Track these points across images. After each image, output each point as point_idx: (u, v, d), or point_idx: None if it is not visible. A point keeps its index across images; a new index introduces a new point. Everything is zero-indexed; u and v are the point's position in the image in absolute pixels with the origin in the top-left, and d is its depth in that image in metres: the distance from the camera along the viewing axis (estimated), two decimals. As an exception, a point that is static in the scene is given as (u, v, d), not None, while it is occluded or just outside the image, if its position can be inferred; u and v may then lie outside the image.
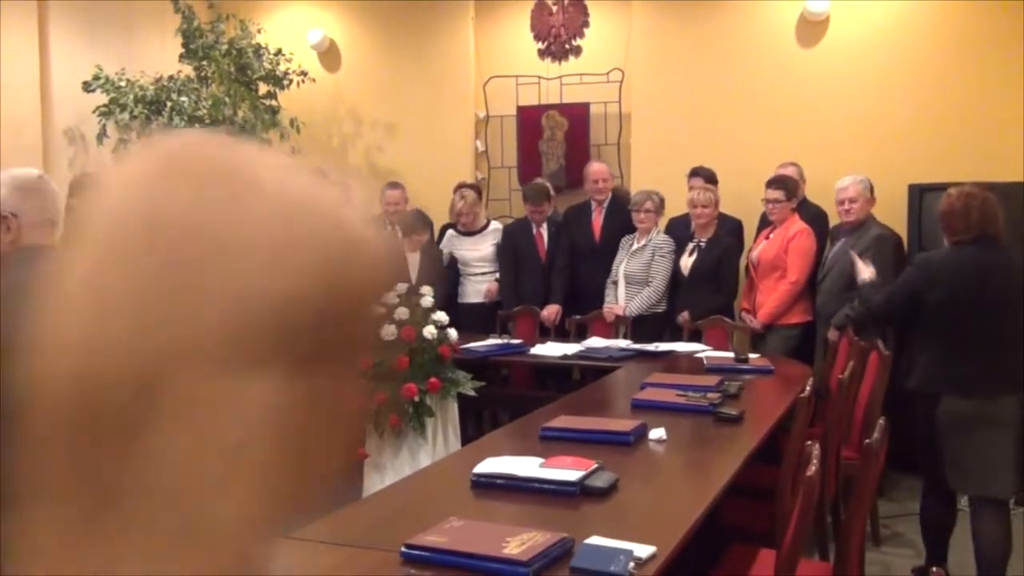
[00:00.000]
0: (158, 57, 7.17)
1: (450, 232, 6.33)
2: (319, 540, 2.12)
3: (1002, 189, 4.76)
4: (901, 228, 5.62)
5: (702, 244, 5.63)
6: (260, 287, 0.44)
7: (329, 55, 7.78)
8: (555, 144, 7.18)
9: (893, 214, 5.61)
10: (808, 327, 5.39)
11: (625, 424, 3.17)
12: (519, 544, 2.02)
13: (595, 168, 6.27)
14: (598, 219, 6.18)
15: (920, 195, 5.58)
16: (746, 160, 6.24)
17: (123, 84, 6.72)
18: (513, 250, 6.11)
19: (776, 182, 5.47)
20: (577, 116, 7.12)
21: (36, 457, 0.45)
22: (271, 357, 0.44)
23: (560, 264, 6.09)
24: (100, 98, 6.67)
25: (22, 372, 0.45)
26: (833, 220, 5.59)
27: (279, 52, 7.34)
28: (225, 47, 7.10)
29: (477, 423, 5.55)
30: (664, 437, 3.09)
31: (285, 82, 7.31)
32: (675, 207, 6.01)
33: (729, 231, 5.79)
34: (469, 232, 6.23)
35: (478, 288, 6.17)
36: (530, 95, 7.26)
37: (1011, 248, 3.83)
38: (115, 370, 0.43)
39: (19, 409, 0.46)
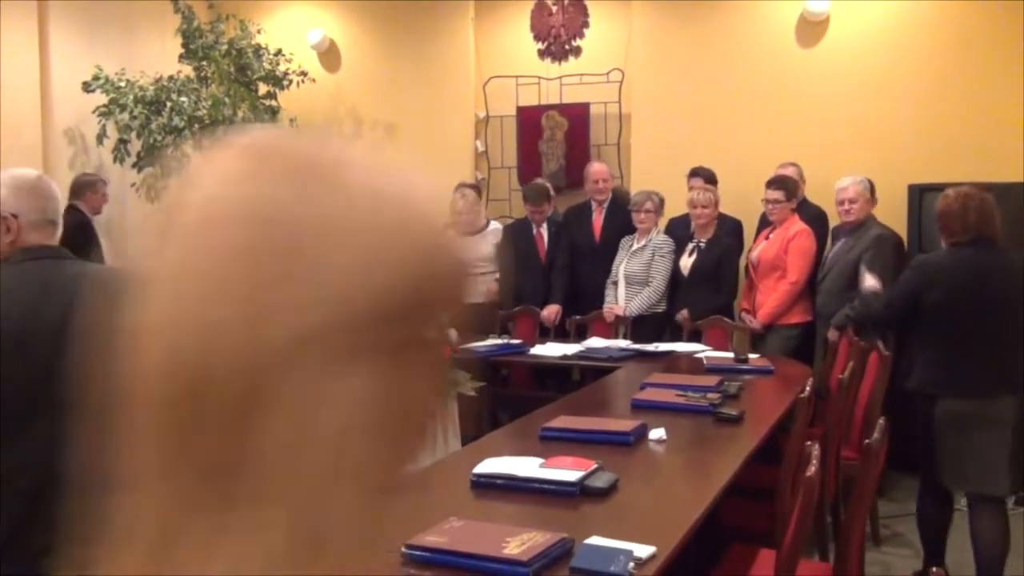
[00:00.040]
0: (158, 57, 7.17)
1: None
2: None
3: (1002, 189, 4.76)
4: (901, 228, 5.61)
5: (702, 244, 5.63)
6: (359, 280, 0.45)
7: (329, 55, 7.78)
8: (555, 144, 7.18)
9: (893, 214, 5.61)
10: (808, 327, 5.38)
11: (625, 424, 3.17)
12: (519, 544, 2.02)
13: (595, 168, 6.27)
14: (598, 219, 6.18)
15: (920, 195, 5.58)
16: (746, 160, 6.24)
17: (123, 84, 6.72)
18: (513, 250, 6.11)
19: (776, 182, 5.46)
20: (577, 116, 7.12)
21: (137, 441, 0.47)
22: (368, 348, 0.46)
23: (560, 264, 6.09)
24: (100, 98, 6.67)
25: (121, 360, 0.47)
26: (833, 220, 5.59)
27: (279, 52, 7.34)
28: (225, 47, 7.10)
29: (477, 423, 5.55)
30: (664, 437, 3.09)
31: (285, 82, 7.32)
32: (675, 207, 6.01)
33: (729, 231, 5.79)
34: (469, 232, 6.23)
35: (478, 288, 6.16)
36: (530, 95, 7.26)
37: (1010, 249, 3.83)
38: (221, 358, 0.44)
39: (115, 396, 0.47)
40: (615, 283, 5.84)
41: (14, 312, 2.19)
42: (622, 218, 5.95)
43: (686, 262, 5.65)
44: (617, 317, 5.69)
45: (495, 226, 6.34)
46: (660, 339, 5.43)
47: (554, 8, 7.21)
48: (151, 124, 6.75)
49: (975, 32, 6.02)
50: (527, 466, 2.62)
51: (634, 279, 5.73)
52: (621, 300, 5.76)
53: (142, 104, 6.73)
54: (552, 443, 2.99)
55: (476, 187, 6.50)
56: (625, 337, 5.55)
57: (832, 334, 5.11)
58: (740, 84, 6.56)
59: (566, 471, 2.56)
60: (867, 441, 2.73)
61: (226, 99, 6.91)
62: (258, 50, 7.27)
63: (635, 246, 5.76)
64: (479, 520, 2.26)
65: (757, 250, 5.55)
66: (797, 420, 3.29)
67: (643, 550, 2.04)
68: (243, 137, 0.50)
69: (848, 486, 3.35)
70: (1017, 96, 5.82)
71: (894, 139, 6.12)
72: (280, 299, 0.44)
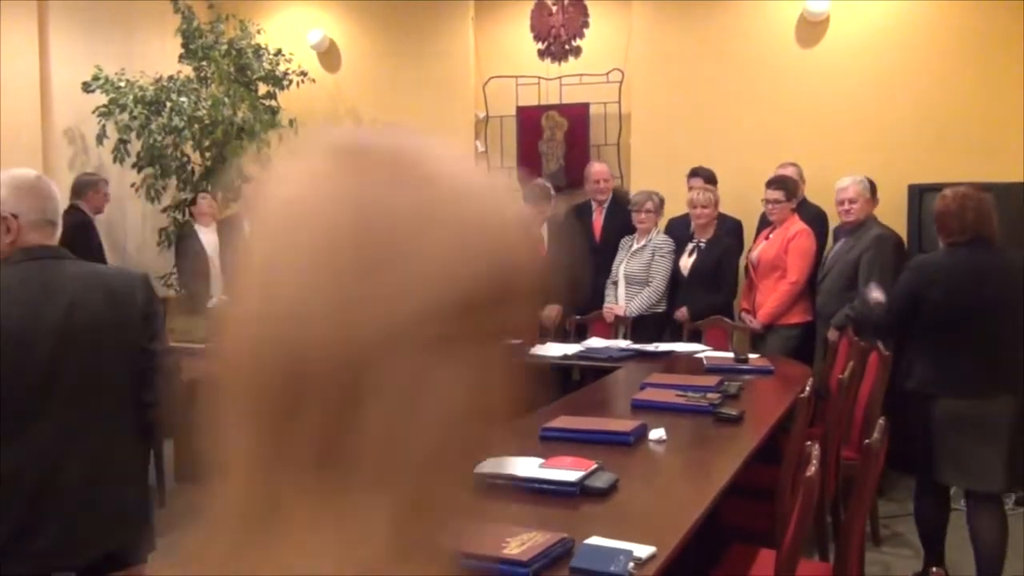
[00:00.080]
0: (158, 57, 7.17)
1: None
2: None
3: (1002, 189, 4.76)
4: (901, 228, 5.62)
5: (702, 244, 5.63)
6: (449, 270, 0.47)
7: (329, 55, 7.78)
8: (555, 144, 7.18)
9: (893, 214, 5.61)
10: (808, 327, 5.38)
11: (625, 424, 3.17)
12: (519, 544, 2.02)
13: (595, 168, 6.27)
14: (598, 219, 6.18)
15: (920, 195, 5.58)
16: (746, 160, 6.24)
17: (123, 84, 6.72)
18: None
19: (776, 182, 5.46)
20: (577, 116, 7.12)
21: (238, 430, 0.48)
22: (460, 337, 0.47)
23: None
24: (100, 98, 6.67)
25: (218, 352, 0.48)
26: (833, 220, 5.59)
27: (279, 52, 7.34)
28: (225, 47, 7.10)
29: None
30: (664, 437, 3.09)
31: (285, 82, 7.32)
32: (675, 207, 6.01)
33: (729, 231, 5.78)
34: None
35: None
36: (530, 95, 7.26)
37: (1008, 249, 3.83)
38: (320, 349, 0.45)
39: (212, 387, 0.48)
40: (615, 283, 5.84)
41: (14, 312, 2.19)
42: (622, 218, 5.95)
43: (686, 262, 5.65)
44: (617, 317, 5.69)
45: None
46: (660, 339, 5.43)
47: (554, 8, 7.21)
48: (151, 124, 6.75)
49: (975, 32, 6.02)
50: (527, 466, 2.62)
51: (634, 279, 5.73)
52: (621, 300, 5.76)
53: (142, 104, 6.73)
54: (552, 443, 2.99)
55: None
56: (625, 337, 5.55)
57: (832, 334, 5.11)
58: (740, 84, 6.56)
59: (566, 471, 2.56)
60: (867, 441, 2.73)
61: (226, 99, 6.91)
62: (258, 50, 7.27)
63: (635, 246, 5.76)
64: (479, 520, 2.25)
65: (757, 250, 5.55)
66: (797, 420, 3.29)
67: (643, 550, 2.04)
68: (324, 136, 0.51)
69: (848, 486, 3.34)
70: (1017, 96, 5.82)
71: (894, 139, 6.12)
72: (375, 290, 0.46)
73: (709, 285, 5.54)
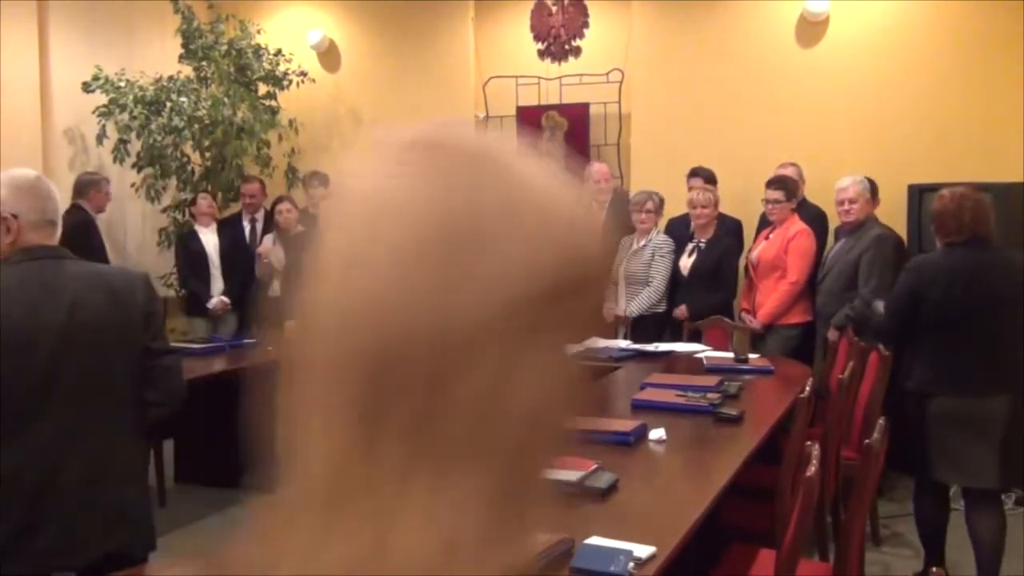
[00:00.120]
0: (158, 57, 7.18)
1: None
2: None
3: (1002, 189, 4.77)
4: (901, 228, 5.62)
5: (702, 244, 5.63)
6: (534, 260, 0.48)
7: (329, 55, 7.78)
8: (555, 144, 7.18)
9: (893, 214, 5.61)
10: (808, 327, 5.38)
11: (625, 424, 3.16)
12: (519, 544, 2.01)
13: (596, 168, 6.27)
14: (598, 219, 6.17)
15: (920, 195, 5.58)
16: (746, 160, 6.24)
17: (123, 84, 6.72)
18: None
19: (776, 182, 5.46)
20: (577, 116, 7.12)
21: (317, 414, 0.49)
22: (544, 325, 0.49)
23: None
24: (100, 98, 6.67)
25: (308, 340, 0.49)
26: (833, 220, 5.59)
27: (279, 52, 7.34)
28: (225, 48, 7.10)
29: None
30: (664, 437, 3.09)
31: (285, 82, 7.32)
32: (675, 207, 6.01)
33: (729, 231, 5.78)
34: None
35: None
36: (530, 95, 7.26)
37: (1007, 249, 3.84)
38: (410, 335, 0.46)
39: (300, 373, 0.49)
40: (615, 283, 5.83)
41: (14, 312, 2.19)
42: (622, 218, 5.94)
43: (686, 262, 5.65)
44: (617, 317, 5.69)
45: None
46: (660, 339, 5.43)
47: (554, 8, 7.21)
48: (151, 124, 6.75)
49: (975, 32, 6.02)
50: (527, 466, 2.61)
51: (634, 279, 5.73)
52: (621, 300, 5.76)
53: (142, 104, 6.73)
54: (552, 443, 2.98)
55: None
56: (625, 337, 5.55)
57: (832, 334, 5.11)
58: (740, 84, 6.56)
59: (566, 471, 2.56)
60: (867, 441, 2.73)
61: (226, 99, 6.92)
62: (258, 50, 7.27)
63: (635, 246, 5.76)
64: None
65: (757, 250, 5.55)
66: (797, 420, 3.29)
67: (643, 550, 2.04)
68: (395, 132, 0.52)
69: (848, 486, 3.34)
70: (1017, 96, 5.82)
71: (894, 139, 6.12)
72: (463, 282, 0.47)
73: (709, 285, 5.54)
